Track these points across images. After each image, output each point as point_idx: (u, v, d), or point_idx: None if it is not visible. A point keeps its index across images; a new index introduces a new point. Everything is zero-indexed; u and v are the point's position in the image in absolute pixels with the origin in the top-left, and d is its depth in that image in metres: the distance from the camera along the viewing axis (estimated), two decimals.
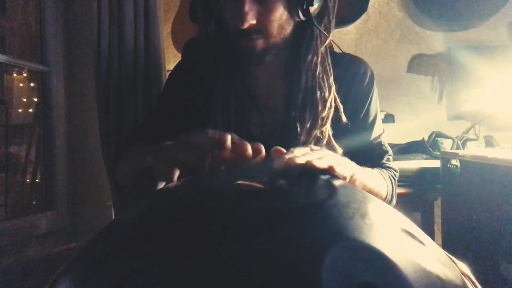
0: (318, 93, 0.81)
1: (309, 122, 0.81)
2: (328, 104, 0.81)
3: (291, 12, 0.75)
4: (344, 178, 0.66)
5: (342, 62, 0.87)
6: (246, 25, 0.72)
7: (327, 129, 0.82)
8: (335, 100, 0.83)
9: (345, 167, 0.65)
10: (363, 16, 1.94)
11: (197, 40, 0.89)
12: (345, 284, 0.28)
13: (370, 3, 1.93)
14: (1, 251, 1.27)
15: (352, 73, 0.88)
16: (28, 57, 1.63)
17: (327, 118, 0.82)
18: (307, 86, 0.82)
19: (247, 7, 0.71)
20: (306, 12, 0.74)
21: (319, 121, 0.81)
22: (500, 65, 1.85)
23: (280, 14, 0.74)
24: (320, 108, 0.81)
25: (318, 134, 0.81)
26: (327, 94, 0.82)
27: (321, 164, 0.57)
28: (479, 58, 1.95)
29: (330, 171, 0.59)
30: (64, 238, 1.53)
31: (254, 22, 0.72)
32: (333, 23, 0.82)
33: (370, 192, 0.77)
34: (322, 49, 0.82)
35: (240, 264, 0.31)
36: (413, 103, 2.05)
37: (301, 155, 0.57)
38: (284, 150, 0.58)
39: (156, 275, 0.32)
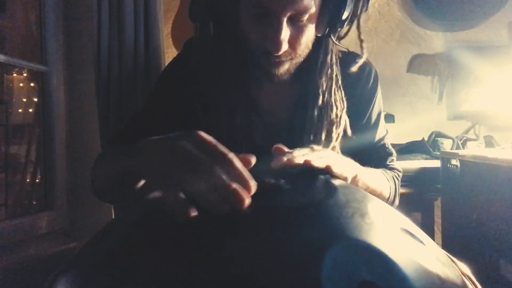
0: (335, 109, 0.80)
1: (324, 139, 0.79)
2: (342, 121, 0.80)
3: (318, 31, 0.72)
4: (344, 179, 0.65)
5: (346, 61, 0.85)
6: (281, 52, 0.67)
7: (338, 144, 0.81)
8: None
9: (345, 167, 0.65)
10: (363, 16, 1.94)
11: (195, 44, 0.85)
12: (345, 283, 0.28)
13: (370, 3, 1.91)
14: (1, 251, 1.27)
15: (356, 74, 0.86)
16: (28, 57, 1.63)
17: (340, 134, 0.81)
18: (323, 103, 0.79)
19: (283, 34, 0.66)
20: (333, 32, 0.71)
21: (333, 138, 0.80)
22: (500, 65, 1.85)
23: (309, 35, 0.71)
24: (335, 125, 0.80)
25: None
26: (339, 110, 0.80)
27: (319, 163, 0.57)
28: (479, 58, 1.95)
29: (328, 170, 0.58)
30: (64, 238, 1.53)
31: (287, 47, 0.69)
32: (345, 36, 0.80)
33: (373, 192, 0.77)
34: (335, 61, 0.81)
35: (241, 264, 0.31)
36: (413, 103, 2.05)
37: (300, 155, 0.57)
38: (286, 149, 0.57)
39: (156, 275, 0.32)
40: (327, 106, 0.79)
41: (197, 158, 0.41)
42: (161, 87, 0.90)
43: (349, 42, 0.82)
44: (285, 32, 0.66)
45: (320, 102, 0.79)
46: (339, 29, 0.71)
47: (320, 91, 0.79)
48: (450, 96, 2.04)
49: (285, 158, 0.54)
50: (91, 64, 1.50)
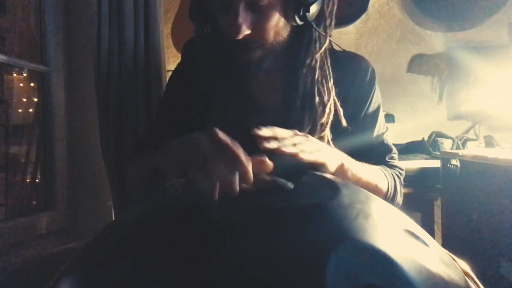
0: (317, 98, 0.81)
1: (308, 127, 0.80)
2: (327, 110, 0.81)
3: (288, 17, 0.74)
4: (327, 168, 0.67)
5: (342, 60, 0.86)
6: (240, 36, 0.71)
7: (326, 134, 0.81)
8: (335, 104, 0.82)
9: (328, 154, 0.68)
10: (363, 16, 1.94)
11: (194, 41, 0.89)
12: (349, 285, 0.28)
13: (370, 3, 1.93)
14: (1, 251, 1.27)
15: (353, 71, 0.87)
16: (28, 57, 1.63)
17: (326, 123, 0.81)
18: (306, 91, 0.81)
19: (241, 19, 0.70)
20: (303, 18, 0.73)
21: (318, 127, 0.80)
22: (500, 65, 1.86)
23: (276, 21, 0.73)
24: (318, 113, 0.80)
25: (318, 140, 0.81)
26: (326, 98, 0.81)
27: (307, 157, 0.61)
28: (479, 58, 1.95)
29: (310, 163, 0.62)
30: (64, 238, 1.53)
31: (249, 32, 0.72)
32: (331, 26, 0.81)
33: (367, 185, 0.77)
34: (321, 52, 0.81)
35: (244, 265, 0.30)
36: (413, 103, 2.05)
37: (291, 145, 0.61)
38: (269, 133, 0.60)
39: (157, 275, 0.32)
40: (309, 94, 0.81)
41: (206, 153, 0.47)
42: (170, 90, 0.94)
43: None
44: (243, 16, 0.70)
45: (301, 89, 0.81)
46: (307, 13, 0.73)
47: (301, 80, 0.81)
48: (450, 96, 2.04)
49: (275, 145, 0.58)
50: (91, 64, 1.50)
